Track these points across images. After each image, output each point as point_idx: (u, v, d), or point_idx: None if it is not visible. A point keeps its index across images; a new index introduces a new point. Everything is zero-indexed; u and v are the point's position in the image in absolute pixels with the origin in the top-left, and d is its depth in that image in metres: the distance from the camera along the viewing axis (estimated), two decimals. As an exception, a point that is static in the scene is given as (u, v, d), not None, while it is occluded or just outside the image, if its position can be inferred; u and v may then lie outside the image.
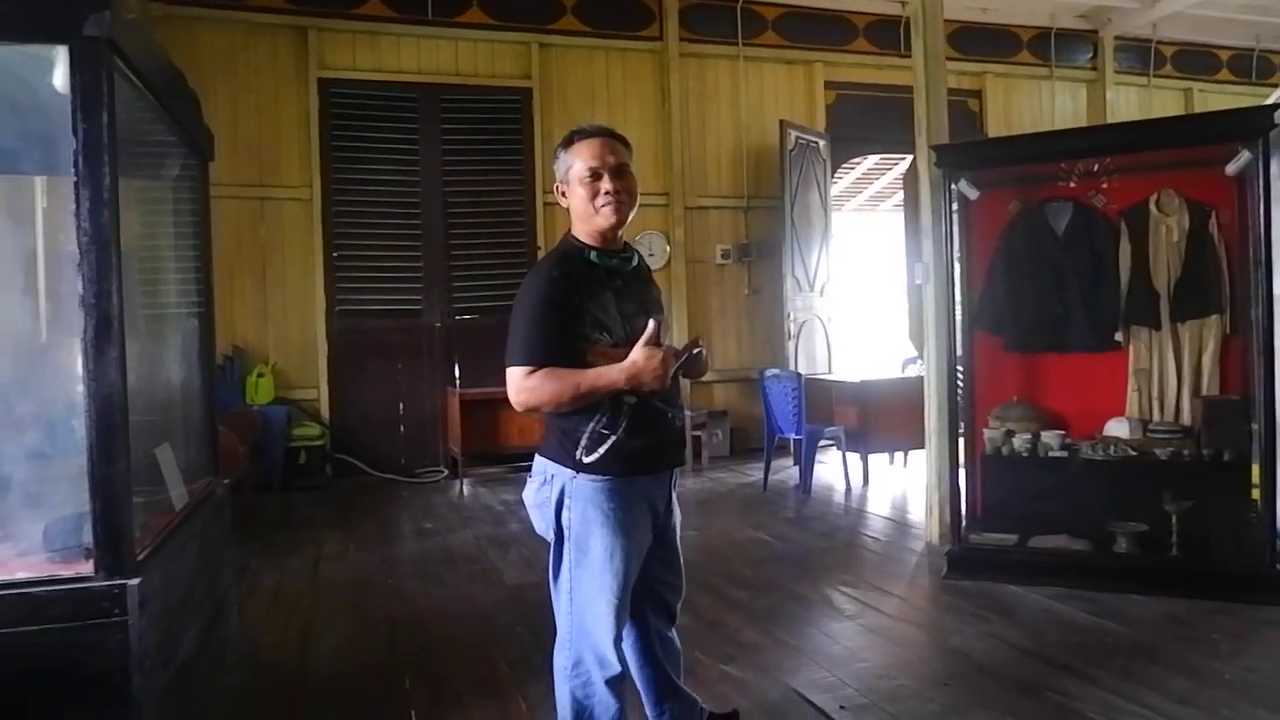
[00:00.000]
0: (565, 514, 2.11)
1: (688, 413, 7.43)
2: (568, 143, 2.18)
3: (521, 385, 2.04)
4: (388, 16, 7.54)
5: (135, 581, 2.04)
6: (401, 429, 7.54)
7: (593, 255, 2.15)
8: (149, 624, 2.09)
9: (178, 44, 6.50)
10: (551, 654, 2.24)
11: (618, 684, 2.13)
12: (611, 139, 2.18)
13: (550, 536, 2.17)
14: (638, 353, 1.99)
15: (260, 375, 7.01)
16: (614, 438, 2.07)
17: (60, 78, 2.10)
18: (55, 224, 2.73)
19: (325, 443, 7.20)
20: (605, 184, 2.11)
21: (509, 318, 2.12)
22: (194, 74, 3.30)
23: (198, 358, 3.40)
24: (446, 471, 7.45)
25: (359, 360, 7.41)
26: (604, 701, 2.13)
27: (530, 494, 2.21)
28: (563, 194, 2.21)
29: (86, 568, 2.06)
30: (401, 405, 7.53)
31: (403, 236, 7.53)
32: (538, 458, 2.20)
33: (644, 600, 2.28)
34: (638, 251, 2.28)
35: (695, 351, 2.16)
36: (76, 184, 2.07)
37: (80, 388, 2.08)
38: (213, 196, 3.46)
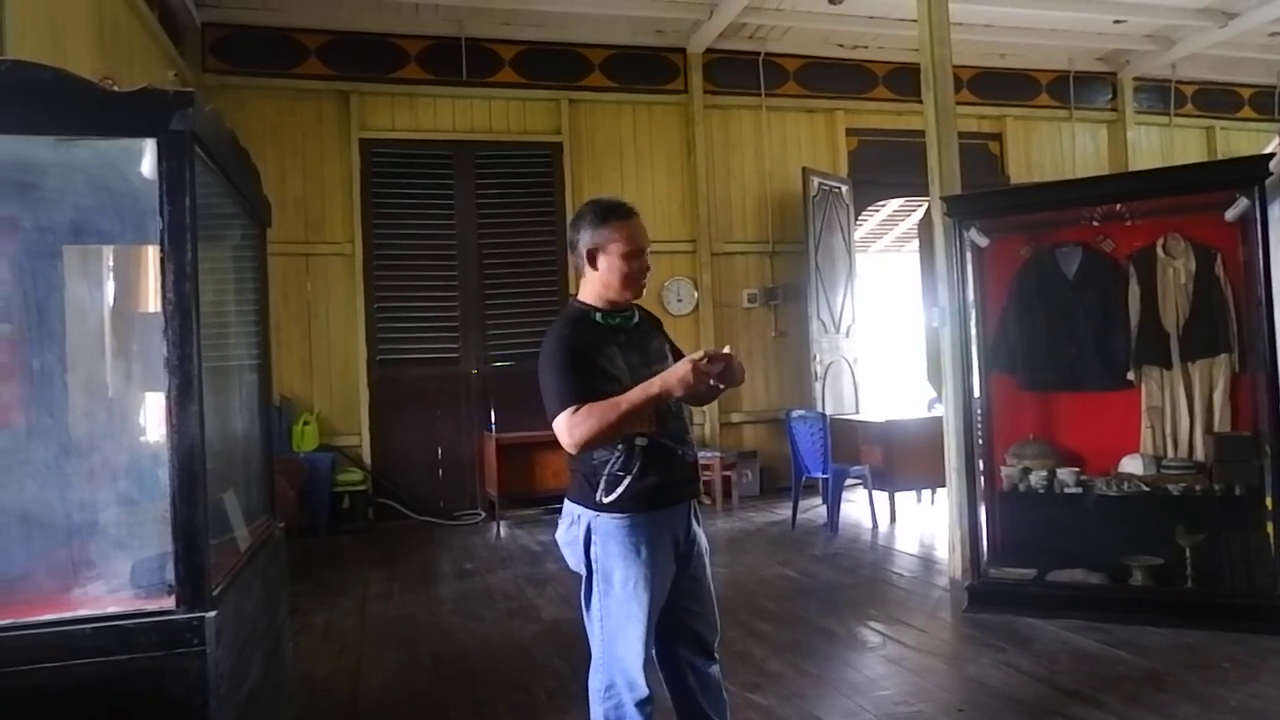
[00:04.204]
0: (592, 550, 2.31)
1: (717, 454, 7.64)
2: (604, 217, 2.37)
3: (570, 425, 2.19)
4: (424, 79, 7.95)
5: (212, 615, 2.25)
6: (440, 473, 7.80)
7: (597, 316, 2.38)
8: (224, 653, 2.32)
9: (230, 111, 6.91)
10: (586, 682, 2.43)
11: (646, 706, 2.30)
12: (640, 222, 2.43)
13: (582, 571, 2.36)
14: (675, 369, 2.20)
15: (306, 423, 7.32)
16: (629, 478, 2.25)
17: (148, 166, 2.38)
18: (125, 288, 3.03)
19: (368, 487, 7.48)
20: (643, 263, 2.38)
21: (538, 376, 2.33)
22: (245, 138, 3.58)
23: (256, 408, 3.67)
24: (484, 514, 7.68)
25: (399, 407, 7.71)
26: (625, 703, 2.30)
27: (561, 534, 2.43)
28: (590, 259, 2.37)
29: (169, 602, 2.28)
30: (440, 450, 7.80)
31: (440, 287, 7.85)
32: (566, 501, 2.41)
33: (673, 631, 2.44)
34: (638, 309, 2.50)
35: (725, 353, 2.28)
36: (162, 259, 2.32)
37: (162, 439, 2.33)
38: (266, 255, 3.76)
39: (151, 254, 2.38)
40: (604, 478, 2.28)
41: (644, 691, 2.29)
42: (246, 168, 3.27)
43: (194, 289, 2.34)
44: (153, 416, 2.60)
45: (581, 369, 2.25)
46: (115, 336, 2.88)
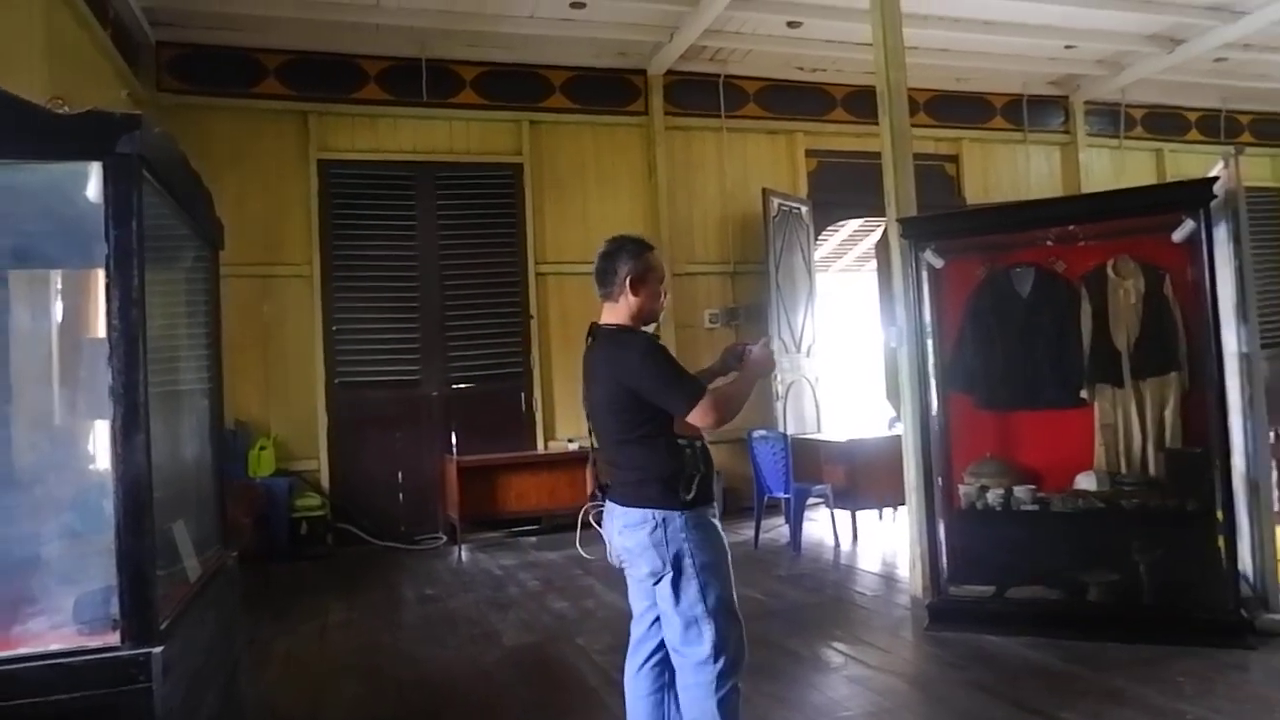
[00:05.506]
0: (683, 546, 2.49)
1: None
2: (642, 250, 2.69)
3: (712, 406, 2.47)
4: (384, 100, 7.91)
5: (159, 650, 2.19)
6: (400, 497, 7.70)
7: (653, 334, 2.74)
8: (172, 689, 2.25)
9: (187, 130, 6.80)
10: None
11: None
12: None
13: (667, 572, 2.50)
14: (760, 350, 2.73)
15: (262, 448, 7.19)
16: (699, 477, 2.53)
17: (94, 190, 2.33)
18: (71, 313, 2.96)
19: (326, 513, 7.36)
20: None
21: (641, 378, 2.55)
22: (202, 158, 3.52)
23: (208, 434, 3.59)
24: (445, 538, 7.59)
25: (358, 431, 7.61)
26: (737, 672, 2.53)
27: (641, 539, 2.53)
28: (633, 287, 2.63)
29: (113, 638, 2.21)
30: (400, 474, 7.70)
31: (400, 309, 7.78)
32: (635, 510, 2.55)
33: None
34: None
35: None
36: (108, 285, 2.27)
37: (108, 469, 2.27)
38: (220, 277, 3.69)
39: (98, 279, 2.33)
40: (684, 478, 2.52)
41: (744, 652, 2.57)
42: (198, 190, 3.21)
43: (141, 315, 2.29)
44: (98, 445, 2.54)
45: (684, 368, 2.58)
46: (60, 364, 2.81)
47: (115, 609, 2.22)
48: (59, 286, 3.00)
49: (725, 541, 2.59)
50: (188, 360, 3.54)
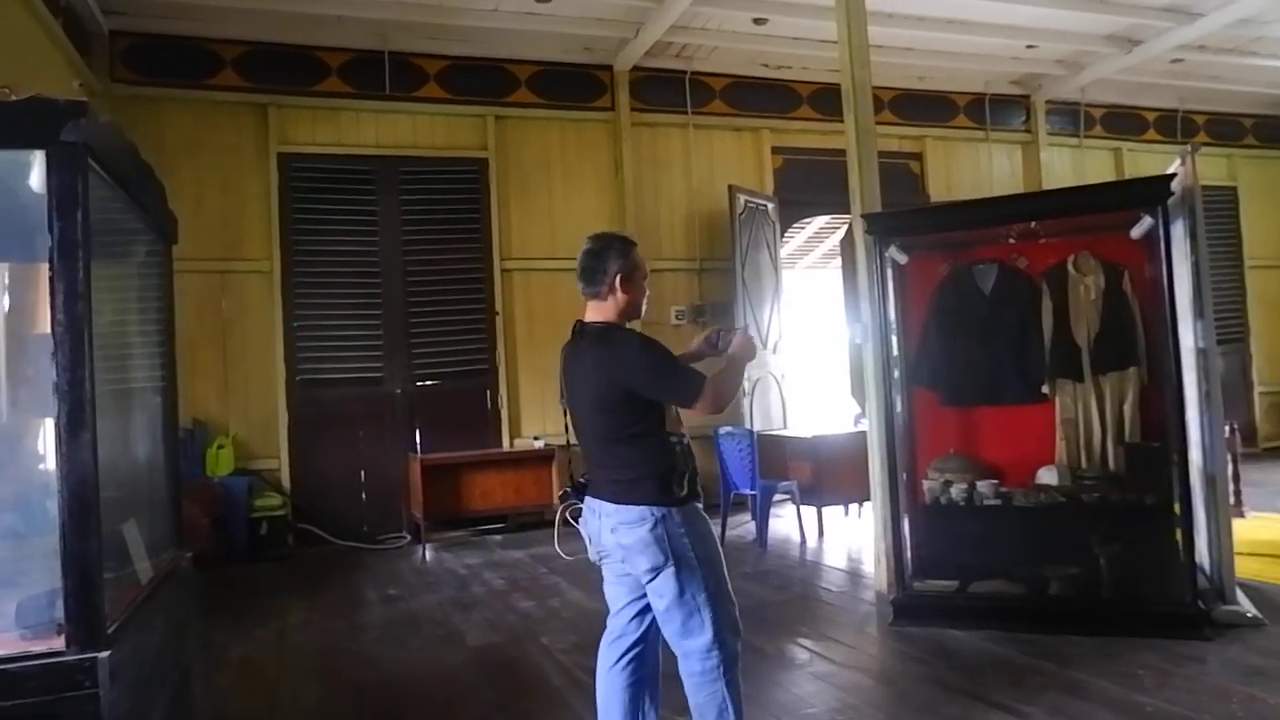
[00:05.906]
0: (680, 540, 2.53)
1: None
2: (629, 247, 2.69)
3: (713, 398, 2.50)
4: (346, 93, 7.78)
5: (106, 654, 2.12)
6: (363, 496, 7.59)
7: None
8: (120, 695, 2.18)
9: (143, 123, 6.68)
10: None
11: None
12: None
13: (669, 566, 2.52)
14: (742, 337, 2.75)
15: (221, 447, 7.05)
16: (688, 472, 2.58)
17: (38, 179, 2.26)
18: (16, 308, 2.87)
19: (287, 512, 7.23)
20: None
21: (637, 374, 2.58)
22: (159, 152, 3.41)
23: (162, 432, 3.50)
24: (409, 537, 7.50)
25: (320, 429, 7.49)
26: (737, 654, 2.61)
27: (641, 536, 2.53)
28: (622, 284, 2.63)
29: (58, 643, 2.14)
30: (363, 473, 7.60)
31: (363, 305, 7.68)
32: (631, 508, 2.55)
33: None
34: None
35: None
36: (52, 278, 2.20)
37: (52, 468, 2.20)
38: (176, 272, 3.57)
39: (43, 272, 2.25)
40: (675, 474, 2.55)
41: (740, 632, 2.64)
42: (149, 182, 3.12)
43: (87, 309, 2.22)
44: (44, 444, 2.46)
45: (679, 360, 2.63)
46: (4, 359, 2.72)
47: (60, 613, 2.16)
48: (4, 281, 2.91)
49: (714, 537, 2.64)
50: (140, 357, 3.44)
